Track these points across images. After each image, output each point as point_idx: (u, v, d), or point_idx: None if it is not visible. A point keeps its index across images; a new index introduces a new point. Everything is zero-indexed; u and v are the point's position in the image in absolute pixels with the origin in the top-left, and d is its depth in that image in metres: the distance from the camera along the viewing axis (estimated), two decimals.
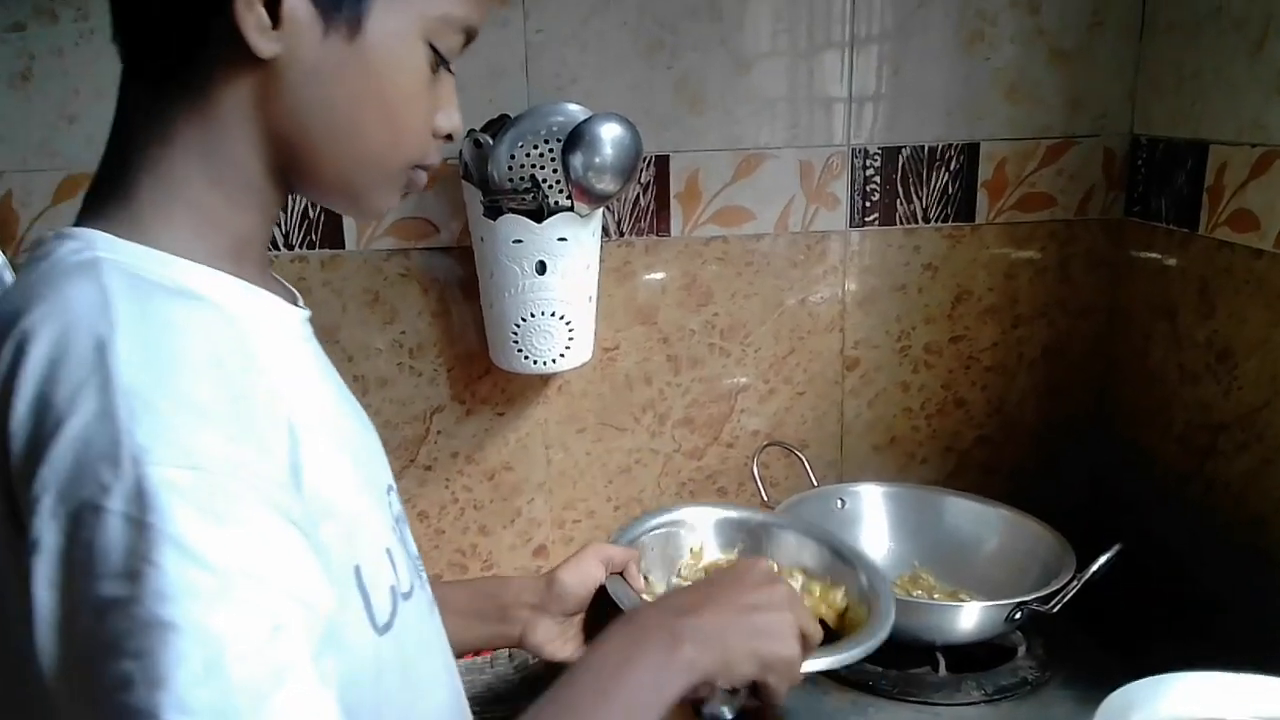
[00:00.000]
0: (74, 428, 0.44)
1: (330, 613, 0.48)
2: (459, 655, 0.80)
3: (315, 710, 0.44)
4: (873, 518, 1.15)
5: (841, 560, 0.93)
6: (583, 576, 0.84)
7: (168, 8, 0.53)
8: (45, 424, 0.44)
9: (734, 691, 0.65)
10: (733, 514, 0.99)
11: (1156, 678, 0.72)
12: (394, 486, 0.65)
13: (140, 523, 0.42)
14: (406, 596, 0.58)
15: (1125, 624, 1.06)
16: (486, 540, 1.22)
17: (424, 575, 0.65)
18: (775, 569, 0.75)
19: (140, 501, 0.42)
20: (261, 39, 0.52)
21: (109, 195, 0.55)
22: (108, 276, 0.49)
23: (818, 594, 0.90)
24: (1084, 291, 1.24)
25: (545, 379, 1.19)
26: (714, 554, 0.97)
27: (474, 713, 0.70)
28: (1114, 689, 0.93)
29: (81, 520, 0.43)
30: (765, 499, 1.15)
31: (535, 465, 1.21)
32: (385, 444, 1.20)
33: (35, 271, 0.51)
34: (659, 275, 1.18)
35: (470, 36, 0.60)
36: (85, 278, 0.49)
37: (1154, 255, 1.16)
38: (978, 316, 1.24)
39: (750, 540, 0.97)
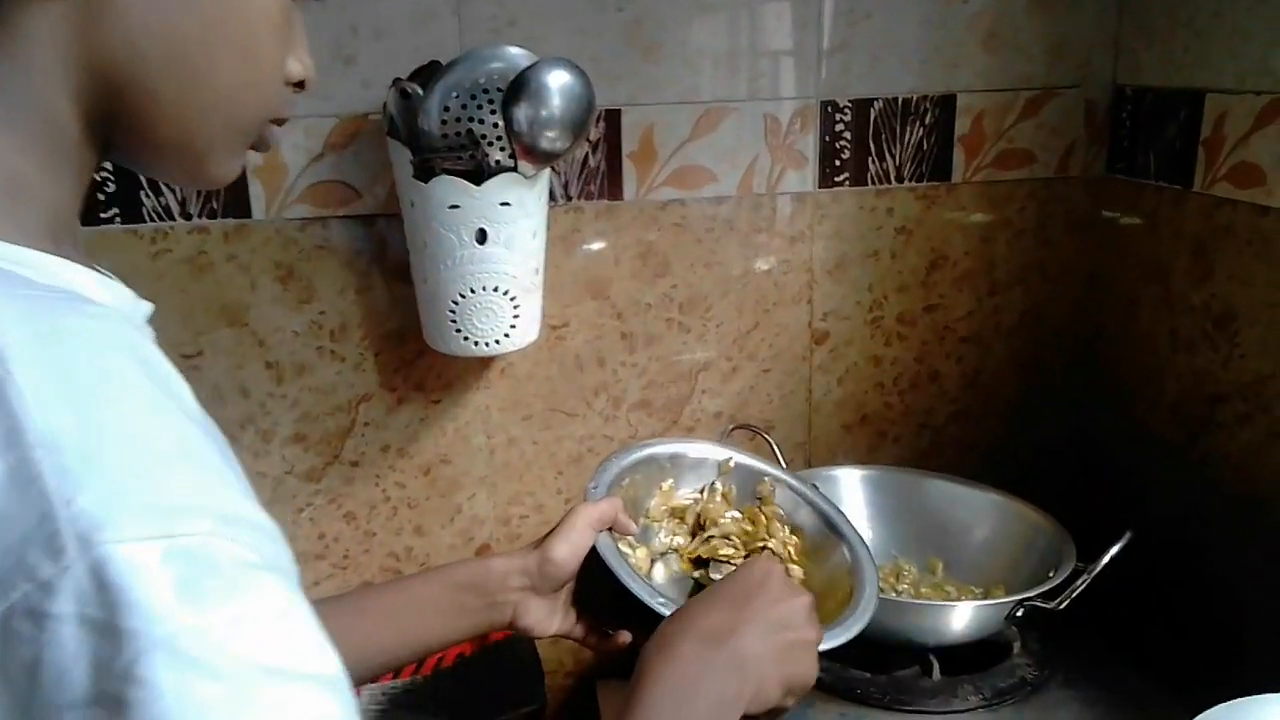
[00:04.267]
0: None
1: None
2: (438, 651, 0.77)
3: None
4: (849, 504, 1.05)
5: (828, 525, 0.85)
6: (575, 547, 0.76)
7: None
8: None
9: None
10: (715, 454, 0.91)
11: (1251, 699, 0.63)
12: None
13: (109, 627, 0.31)
14: None
15: (1122, 611, 0.99)
16: (423, 541, 1.10)
17: None
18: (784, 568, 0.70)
19: (103, 597, 0.31)
20: None
21: None
22: None
23: (796, 553, 0.84)
24: (1064, 254, 1.16)
25: (486, 362, 1.06)
26: (683, 492, 0.89)
27: None
28: (1118, 685, 0.86)
29: (11, 636, 0.31)
30: None
31: (476, 457, 1.09)
32: (305, 439, 1.08)
33: None
34: (611, 244, 1.06)
35: None
36: None
37: (1141, 214, 1.09)
38: (953, 283, 1.15)
39: (744, 484, 0.90)
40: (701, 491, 0.88)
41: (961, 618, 0.84)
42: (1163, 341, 1.05)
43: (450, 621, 0.74)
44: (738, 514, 0.87)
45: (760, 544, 0.83)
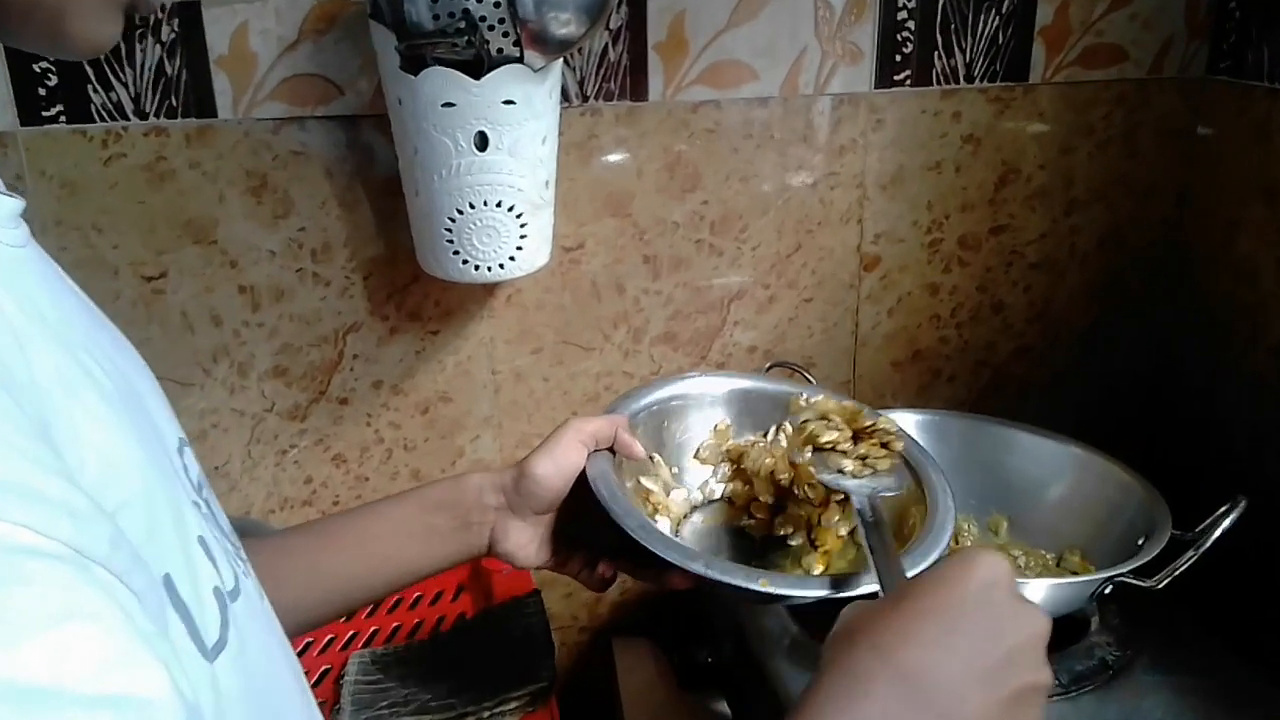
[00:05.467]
0: None
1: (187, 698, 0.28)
2: (416, 582, 0.67)
3: None
4: None
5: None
6: (559, 464, 0.65)
7: None
8: None
9: None
10: (760, 385, 0.77)
11: None
12: (185, 440, 0.43)
13: None
14: (234, 595, 0.37)
15: (1216, 583, 0.87)
16: None
17: (244, 556, 0.43)
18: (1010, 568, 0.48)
19: None
20: None
21: None
22: None
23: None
24: (1154, 168, 1.01)
25: (490, 289, 0.94)
26: (744, 433, 0.76)
27: None
28: (1216, 671, 0.74)
29: None
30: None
31: (480, 395, 0.97)
32: (287, 373, 0.96)
33: None
34: (633, 153, 0.92)
35: None
36: None
37: (1247, 122, 0.93)
38: (1025, 201, 1.00)
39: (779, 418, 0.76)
40: (765, 435, 0.76)
41: (1036, 596, 0.72)
42: (1267, 271, 0.91)
43: (423, 546, 0.66)
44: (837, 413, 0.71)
45: (868, 425, 0.69)
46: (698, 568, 0.59)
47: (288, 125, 0.86)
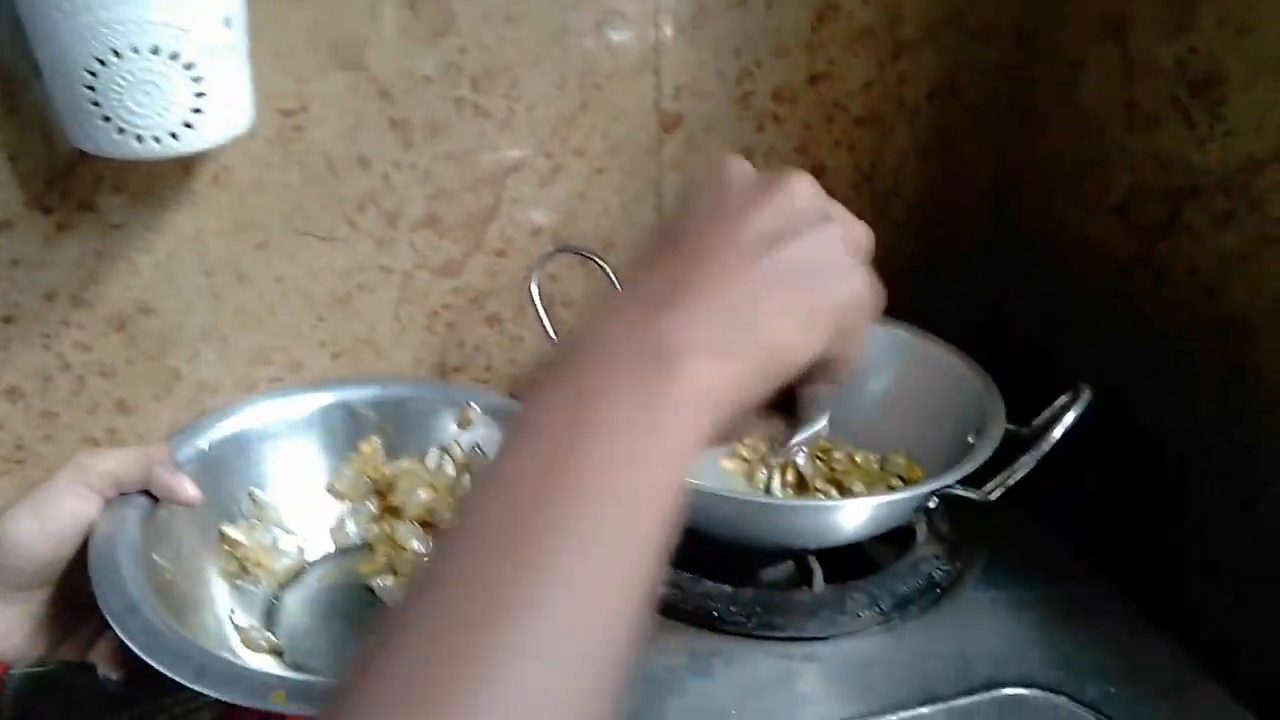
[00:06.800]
0: None
1: None
2: None
3: None
4: None
5: None
6: (46, 521, 0.47)
7: None
8: None
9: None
10: (418, 392, 0.60)
11: None
12: None
13: None
14: None
15: (1054, 474, 0.78)
16: (132, 421, 0.80)
17: None
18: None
19: None
20: None
21: None
22: None
23: None
24: (990, 2, 0.87)
25: (187, 167, 0.73)
26: (402, 456, 0.58)
27: None
28: (1056, 580, 0.65)
29: None
30: (552, 331, 0.78)
31: (193, 304, 0.78)
32: None
33: None
34: None
35: None
36: None
37: None
38: (846, 44, 0.86)
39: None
40: (423, 459, 0.58)
41: (852, 517, 0.61)
42: (1115, 117, 0.80)
43: None
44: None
45: None
46: (184, 676, 0.43)
47: None
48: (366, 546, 0.56)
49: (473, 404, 0.57)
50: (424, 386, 0.59)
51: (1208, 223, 0.72)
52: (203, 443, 0.52)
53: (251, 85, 0.67)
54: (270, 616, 0.52)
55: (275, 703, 0.41)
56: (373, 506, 0.57)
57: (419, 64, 0.76)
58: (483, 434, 0.56)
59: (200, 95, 0.62)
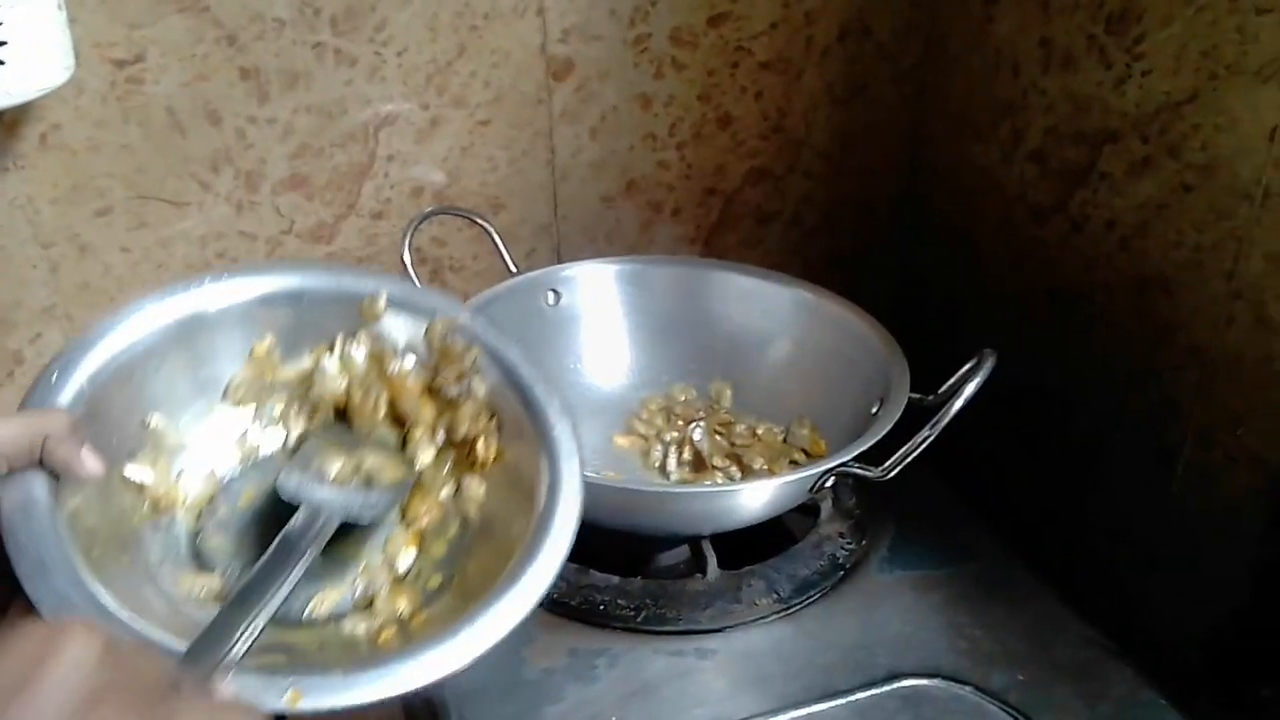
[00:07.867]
0: None
1: None
2: None
3: None
4: (602, 316, 0.75)
5: (525, 405, 0.51)
6: None
7: None
8: None
9: None
10: (315, 282, 0.53)
11: None
12: None
13: None
14: None
15: (953, 438, 0.74)
16: None
17: None
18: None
19: None
20: None
21: None
22: None
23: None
24: None
25: (9, 126, 0.65)
26: (302, 354, 0.53)
27: None
28: (966, 557, 0.61)
29: None
30: None
31: (28, 279, 0.70)
32: None
33: None
34: None
35: None
36: None
37: None
38: None
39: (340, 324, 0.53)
40: (330, 349, 0.53)
41: (747, 502, 0.56)
42: (1028, 57, 0.75)
43: None
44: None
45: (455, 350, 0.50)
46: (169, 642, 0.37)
47: None
48: (281, 452, 0.50)
49: (377, 299, 0.51)
50: (313, 273, 0.52)
51: (1125, 169, 0.68)
52: (81, 379, 0.44)
53: (68, 31, 0.59)
54: (200, 556, 0.46)
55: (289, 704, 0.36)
56: (277, 410, 0.51)
57: (268, 5, 0.68)
58: (390, 322, 0.50)
59: (1, 44, 0.54)
